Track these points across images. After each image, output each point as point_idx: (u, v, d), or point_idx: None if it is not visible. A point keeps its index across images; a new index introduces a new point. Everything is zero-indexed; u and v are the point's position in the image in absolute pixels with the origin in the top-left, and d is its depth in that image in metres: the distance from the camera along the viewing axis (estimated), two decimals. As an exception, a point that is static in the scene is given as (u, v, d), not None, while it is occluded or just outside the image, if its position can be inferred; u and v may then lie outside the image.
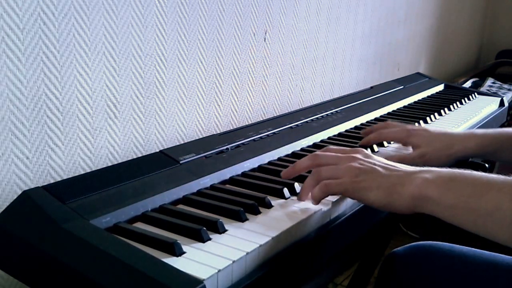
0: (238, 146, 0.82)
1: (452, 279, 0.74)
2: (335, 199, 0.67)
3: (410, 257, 0.80)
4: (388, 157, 0.82)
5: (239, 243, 0.56)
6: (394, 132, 0.88)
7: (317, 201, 0.65)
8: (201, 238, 0.56)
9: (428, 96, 1.38)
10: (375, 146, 0.89)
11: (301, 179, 0.71)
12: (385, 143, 0.92)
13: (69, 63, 0.77)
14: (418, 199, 0.60)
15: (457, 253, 0.76)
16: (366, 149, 0.85)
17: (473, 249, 0.77)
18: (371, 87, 1.33)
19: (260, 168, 0.79)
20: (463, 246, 0.78)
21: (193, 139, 0.84)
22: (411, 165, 0.84)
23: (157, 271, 0.47)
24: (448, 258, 0.76)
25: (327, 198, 0.67)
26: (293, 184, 0.70)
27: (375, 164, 0.65)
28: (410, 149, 0.87)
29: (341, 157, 0.67)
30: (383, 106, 1.17)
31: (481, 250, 0.76)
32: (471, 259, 0.75)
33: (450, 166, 0.93)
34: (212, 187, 0.71)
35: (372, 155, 0.68)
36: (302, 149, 0.88)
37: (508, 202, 0.53)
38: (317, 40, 1.35)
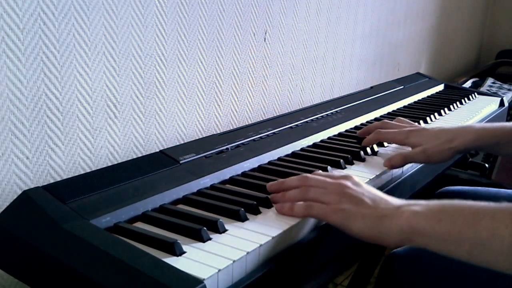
0: (238, 146, 0.82)
1: (451, 279, 0.74)
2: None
3: (410, 257, 0.80)
4: (391, 157, 0.83)
5: (239, 243, 0.56)
6: (393, 133, 0.88)
7: (297, 216, 0.62)
8: (201, 238, 0.56)
9: (428, 96, 1.38)
10: (375, 146, 0.89)
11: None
12: (385, 143, 0.92)
13: (69, 63, 0.77)
14: (408, 233, 0.58)
15: None
16: (365, 153, 0.86)
17: None
18: (371, 87, 1.33)
19: (260, 168, 0.79)
20: None
21: (193, 139, 0.84)
22: (415, 161, 0.85)
23: (157, 271, 0.47)
24: (448, 258, 0.76)
25: None
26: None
27: (363, 194, 0.63)
28: (408, 148, 0.87)
29: (330, 182, 0.65)
30: (383, 106, 1.17)
31: None
32: None
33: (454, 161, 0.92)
34: (212, 187, 0.71)
35: (361, 183, 0.65)
36: (302, 149, 0.88)
37: (504, 229, 0.52)
38: (317, 40, 1.35)
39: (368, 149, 0.87)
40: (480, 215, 0.54)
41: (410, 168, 0.88)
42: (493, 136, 0.83)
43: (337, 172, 0.77)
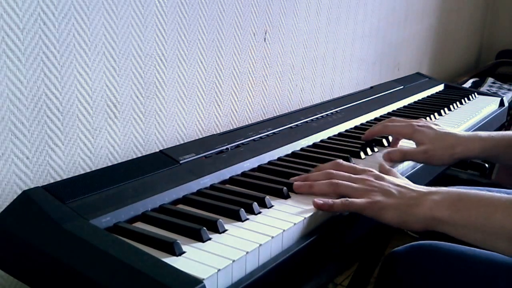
0: (238, 146, 0.82)
1: (451, 278, 0.74)
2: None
3: (410, 256, 0.79)
4: (390, 150, 0.84)
5: (239, 242, 0.56)
6: (399, 126, 0.88)
7: (336, 210, 0.67)
8: (201, 238, 0.56)
9: (428, 96, 1.38)
10: (375, 148, 0.89)
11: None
12: (385, 142, 0.93)
13: (69, 63, 0.77)
14: (431, 220, 0.64)
15: (457, 252, 0.76)
16: (365, 153, 0.86)
17: (472, 248, 0.77)
18: (371, 87, 1.33)
19: (260, 168, 0.79)
20: (463, 246, 0.78)
21: (193, 139, 0.84)
22: (415, 160, 0.86)
23: (157, 271, 0.47)
24: (448, 257, 0.76)
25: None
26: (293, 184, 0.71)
27: (389, 186, 0.68)
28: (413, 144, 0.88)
29: (356, 178, 0.70)
30: (383, 106, 1.17)
31: (481, 250, 0.76)
32: (471, 258, 0.75)
33: (452, 165, 0.95)
34: (212, 187, 0.71)
35: (383, 175, 0.71)
36: (302, 149, 0.89)
37: None
38: (317, 40, 1.35)
39: (369, 149, 0.87)
40: (494, 208, 0.61)
41: (409, 167, 0.88)
42: (497, 147, 0.84)
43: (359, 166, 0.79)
